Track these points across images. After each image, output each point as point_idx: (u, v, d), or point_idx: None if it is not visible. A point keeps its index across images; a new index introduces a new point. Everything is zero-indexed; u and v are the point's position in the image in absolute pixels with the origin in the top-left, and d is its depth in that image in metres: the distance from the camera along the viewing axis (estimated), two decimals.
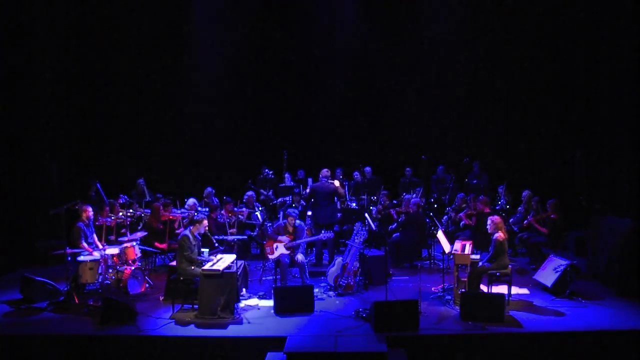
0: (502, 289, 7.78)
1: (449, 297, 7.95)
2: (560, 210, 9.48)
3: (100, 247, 8.48)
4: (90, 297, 8.05)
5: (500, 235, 7.68)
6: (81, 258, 8.02)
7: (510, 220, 10.40)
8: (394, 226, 10.27)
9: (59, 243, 8.24)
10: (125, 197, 10.73)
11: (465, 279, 7.75)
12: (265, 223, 10.31)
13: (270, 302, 7.76)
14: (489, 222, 7.85)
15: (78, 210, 8.56)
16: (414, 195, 10.90)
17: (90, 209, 8.59)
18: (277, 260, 8.49)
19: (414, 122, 13.63)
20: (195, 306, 7.44)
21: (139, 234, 9.22)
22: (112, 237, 9.40)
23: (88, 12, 12.10)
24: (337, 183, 10.01)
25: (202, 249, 7.94)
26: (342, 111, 13.89)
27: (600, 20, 11.31)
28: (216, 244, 8.34)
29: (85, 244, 8.31)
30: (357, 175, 12.29)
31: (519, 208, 10.54)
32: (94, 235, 8.65)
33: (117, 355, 6.72)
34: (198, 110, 13.53)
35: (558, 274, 8.03)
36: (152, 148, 13.06)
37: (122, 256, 8.41)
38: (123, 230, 9.50)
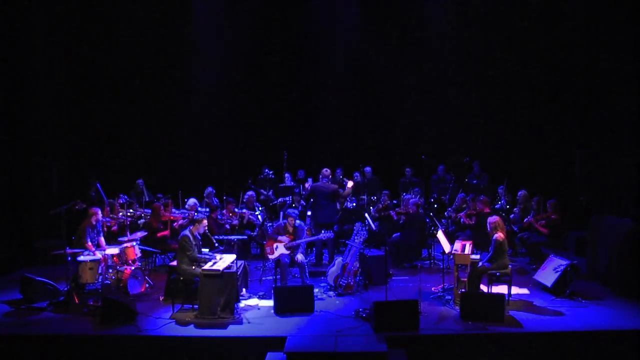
0: (502, 289, 7.78)
1: (449, 297, 7.95)
2: (560, 210, 9.48)
3: (105, 249, 8.47)
4: (90, 297, 8.04)
5: (500, 235, 7.68)
6: (81, 258, 8.01)
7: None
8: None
9: (59, 243, 8.23)
10: (125, 197, 10.73)
11: (465, 279, 7.76)
12: (265, 223, 10.31)
13: (270, 302, 7.76)
14: (487, 222, 7.85)
15: (83, 211, 8.54)
16: (412, 196, 10.90)
17: (99, 211, 8.55)
18: (277, 260, 8.49)
19: (414, 122, 13.61)
20: (195, 306, 7.44)
21: (139, 234, 9.22)
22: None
23: (88, 12, 12.09)
24: (350, 184, 9.97)
25: (202, 249, 7.94)
26: (342, 111, 13.88)
27: (600, 20, 11.30)
28: (216, 244, 8.34)
29: (90, 244, 8.30)
30: (357, 175, 12.29)
31: (515, 209, 10.52)
32: (101, 238, 8.62)
33: (117, 355, 6.73)
34: (198, 110, 13.52)
35: (558, 274, 8.03)
36: (151, 148, 13.05)
37: (122, 256, 8.40)
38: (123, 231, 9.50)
